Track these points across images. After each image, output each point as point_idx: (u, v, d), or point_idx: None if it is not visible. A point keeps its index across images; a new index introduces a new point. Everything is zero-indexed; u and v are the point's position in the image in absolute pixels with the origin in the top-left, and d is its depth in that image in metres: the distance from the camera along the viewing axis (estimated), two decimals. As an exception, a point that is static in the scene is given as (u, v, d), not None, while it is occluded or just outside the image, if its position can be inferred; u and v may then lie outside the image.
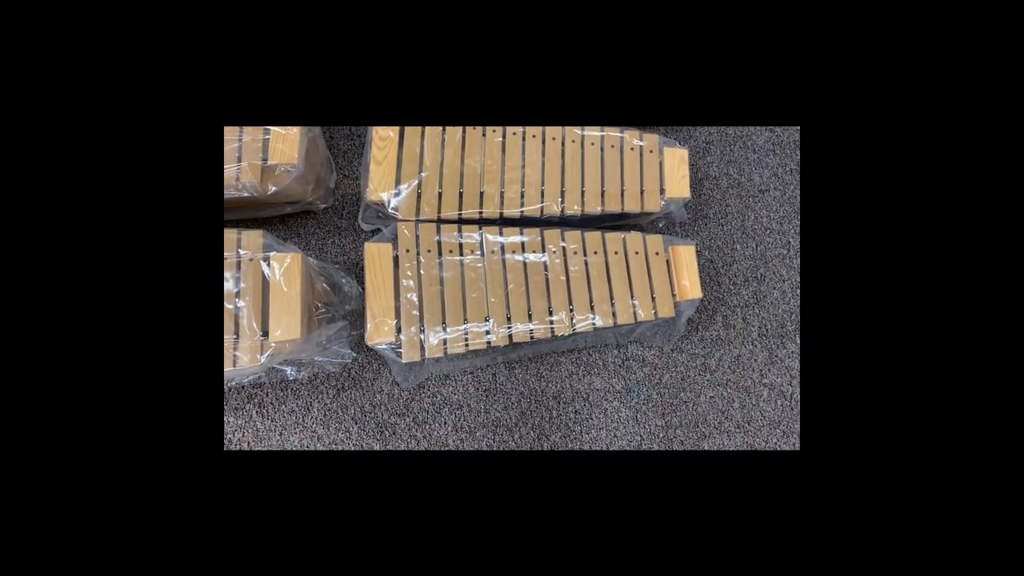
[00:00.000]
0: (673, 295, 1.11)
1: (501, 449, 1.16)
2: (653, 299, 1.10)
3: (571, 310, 1.07)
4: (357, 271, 1.22)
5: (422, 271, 1.05)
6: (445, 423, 1.17)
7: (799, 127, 1.44)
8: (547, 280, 1.08)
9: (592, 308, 1.08)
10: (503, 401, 1.19)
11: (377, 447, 1.15)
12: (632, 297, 1.09)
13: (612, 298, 1.09)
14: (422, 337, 1.03)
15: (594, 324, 1.07)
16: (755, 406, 1.25)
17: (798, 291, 1.33)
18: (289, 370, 1.14)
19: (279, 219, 1.23)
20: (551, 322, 1.06)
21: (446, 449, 1.15)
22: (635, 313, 1.09)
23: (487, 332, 1.04)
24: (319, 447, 1.14)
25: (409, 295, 1.04)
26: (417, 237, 1.06)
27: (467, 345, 1.03)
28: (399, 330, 1.03)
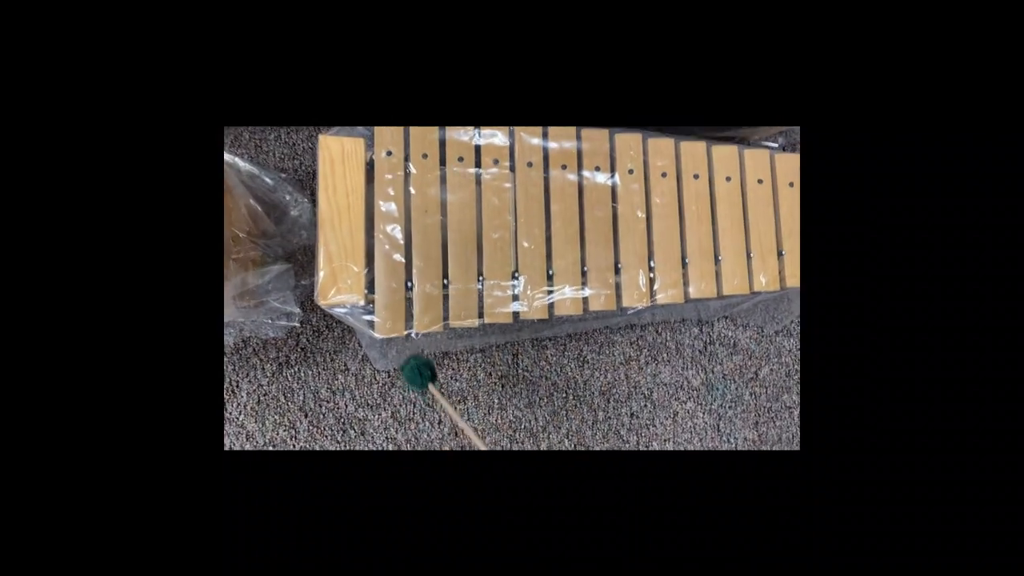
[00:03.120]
0: (810, 252, 0.70)
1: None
2: (780, 255, 0.69)
3: (651, 268, 0.67)
4: (315, 187, 0.80)
5: (412, 188, 0.64)
6: (440, 423, 0.79)
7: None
8: (615, 215, 0.67)
9: (684, 265, 0.67)
10: (527, 394, 0.81)
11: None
12: (749, 251, 0.68)
13: (717, 250, 0.68)
14: (410, 297, 0.63)
15: (687, 293, 0.67)
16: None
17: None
18: (206, 332, 0.74)
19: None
20: (618, 284, 0.66)
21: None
22: (751, 277, 0.68)
23: (513, 296, 0.64)
24: (247, 448, 0.76)
25: (390, 227, 0.63)
26: (407, 132, 0.64)
27: (482, 316, 0.63)
28: (371, 285, 0.62)
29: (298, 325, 0.77)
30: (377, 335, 0.62)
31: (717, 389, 0.84)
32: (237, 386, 0.76)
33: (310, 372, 0.78)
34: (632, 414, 0.82)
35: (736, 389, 0.84)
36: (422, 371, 0.67)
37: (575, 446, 0.80)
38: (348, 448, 0.77)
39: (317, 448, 0.77)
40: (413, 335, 0.63)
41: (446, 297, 0.63)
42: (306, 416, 0.77)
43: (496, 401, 0.80)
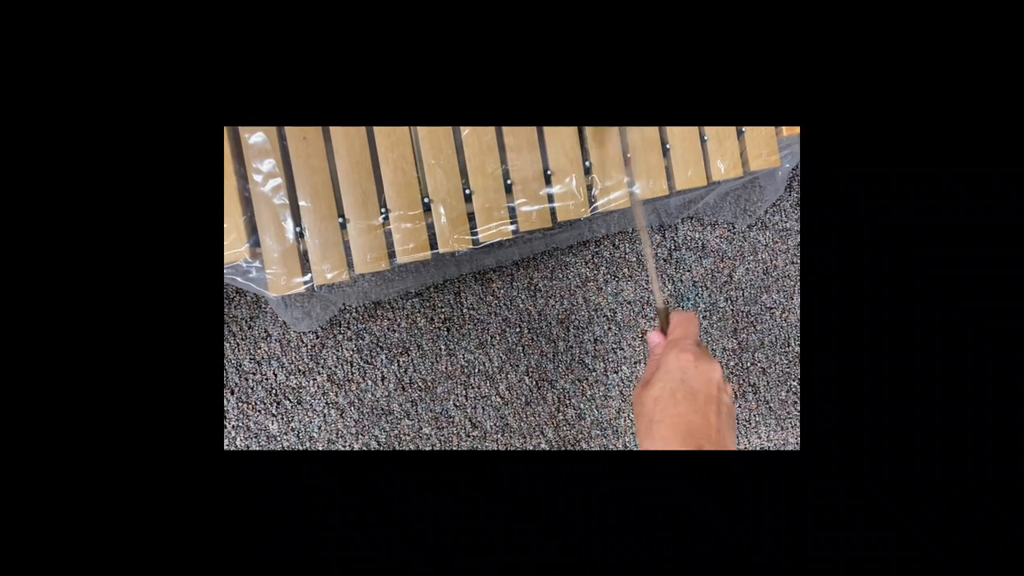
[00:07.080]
0: (779, 130, 0.59)
1: (479, 408, 0.72)
2: (741, 134, 0.58)
3: (587, 170, 0.56)
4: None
5: (281, 111, 0.52)
6: (383, 379, 0.71)
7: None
8: (537, 113, 0.55)
9: (626, 161, 0.56)
10: (476, 335, 0.72)
11: (274, 427, 0.70)
12: (702, 134, 0.57)
13: (664, 138, 0.57)
14: (301, 245, 0.53)
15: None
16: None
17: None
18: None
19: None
20: (550, 195, 0.56)
21: (390, 417, 0.71)
22: (708, 165, 0.58)
23: (431, 230, 0.54)
24: (175, 438, 0.68)
25: (263, 163, 0.52)
26: (262, 40, 0.51)
27: (393, 256, 0.53)
28: (254, 237, 0.52)
29: (201, 294, 0.67)
30: (271, 294, 0.52)
31: (688, 299, 0.75)
32: (147, 371, 0.68)
33: (227, 344, 0.69)
34: (596, 339, 0.74)
35: (709, 296, 0.75)
36: None
37: (537, 382, 0.73)
38: (286, 420, 0.70)
39: (251, 426, 0.69)
40: (315, 289, 0.54)
41: (346, 241, 0.53)
42: (232, 393, 0.69)
43: (443, 347, 0.71)
